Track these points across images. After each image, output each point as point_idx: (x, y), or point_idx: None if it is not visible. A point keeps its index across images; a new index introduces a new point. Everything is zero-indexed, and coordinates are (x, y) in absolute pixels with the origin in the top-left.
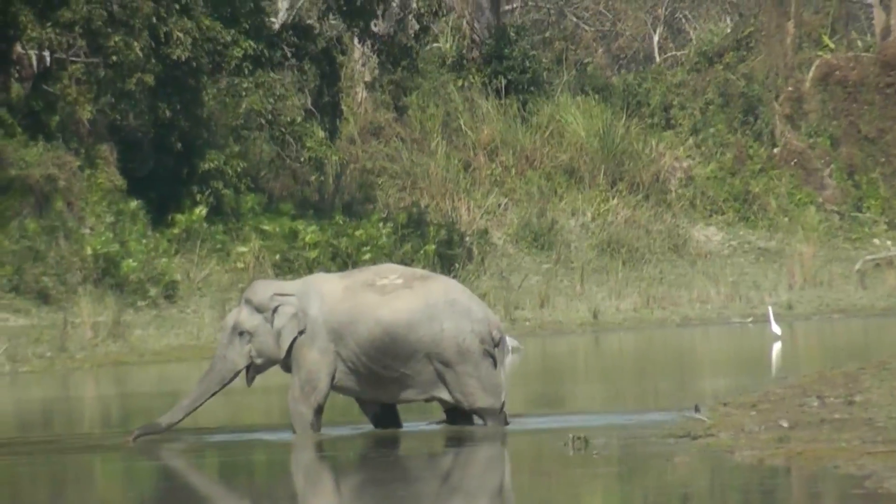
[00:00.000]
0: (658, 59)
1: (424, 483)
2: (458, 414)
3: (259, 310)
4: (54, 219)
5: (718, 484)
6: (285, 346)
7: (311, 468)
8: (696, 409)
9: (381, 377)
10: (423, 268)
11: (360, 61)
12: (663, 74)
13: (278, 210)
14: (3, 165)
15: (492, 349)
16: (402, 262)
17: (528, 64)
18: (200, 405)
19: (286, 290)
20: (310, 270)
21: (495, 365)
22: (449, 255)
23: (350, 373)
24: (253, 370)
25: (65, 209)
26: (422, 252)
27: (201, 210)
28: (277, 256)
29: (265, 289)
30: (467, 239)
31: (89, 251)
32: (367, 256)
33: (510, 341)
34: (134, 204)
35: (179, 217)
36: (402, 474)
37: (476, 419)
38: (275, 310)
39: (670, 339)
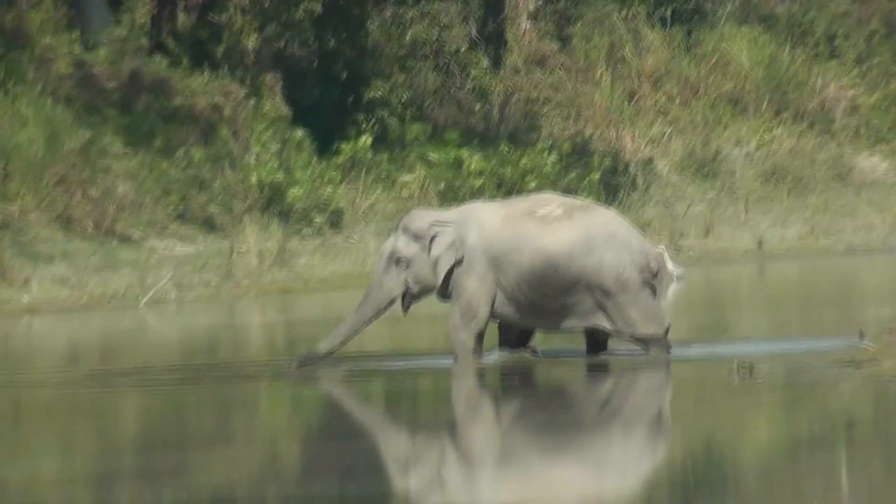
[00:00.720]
0: None
1: (586, 409)
2: (596, 343)
3: (416, 238)
4: (220, 147)
5: (883, 412)
6: (442, 274)
7: (472, 395)
8: (861, 337)
9: (542, 307)
10: (588, 196)
11: None
12: (827, 4)
13: (443, 139)
14: (170, 95)
15: (650, 279)
16: (567, 191)
17: None
18: (357, 333)
19: (444, 219)
20: (475, 199)
21: (654, 295)
22: (613, 184)
23: (509, 301)
24: (409, 298)
25: (230, 138)
26: (586, 181)
27: (366, 139)
28: (442, 185)
29: (423, 217)
30: (632, 168)
31: (255, 179)
32: (531, 185)
33: (675, 269)
34: (299, 133)
35: (344, 146)
36: (563, 400)
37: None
38: (432, 238)
39: (835, 268)
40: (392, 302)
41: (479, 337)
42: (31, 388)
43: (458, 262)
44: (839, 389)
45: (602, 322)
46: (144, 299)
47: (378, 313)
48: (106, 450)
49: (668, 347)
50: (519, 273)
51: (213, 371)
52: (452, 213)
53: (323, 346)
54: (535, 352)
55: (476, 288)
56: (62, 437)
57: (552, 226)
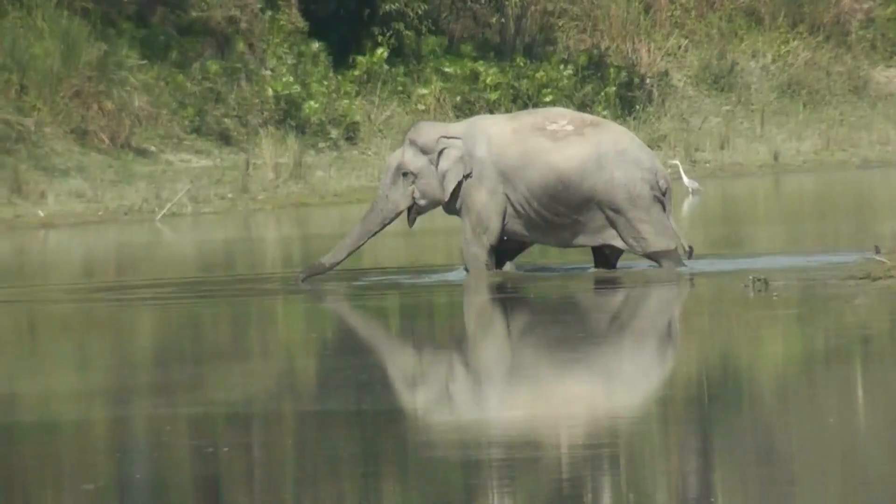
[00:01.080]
0: None
1: (602, 323)
2: (605, 259)
3: (424, 151)
4: (236, 60)
5: None
6: (450, 188)
7: (486, 309)
8: (877, 251)
9: (553, 223)
10: (604, 110)
11: None
12: None
13: (459, 52)
14: (185, 7)
15: (660, 196)
16: (583, 105)
17: None
18: (362, 245)
19: (452, 133)
20: (491, 112)
21: (664, 210)
22: (629, 97)
23: (518, 217)
24: (415, 211)
25: (246, 51)
26: (602, 94)
27: (382, 52)
28: (458, 98)
29: (431, 130)
30: (648, 81)
31: (271, 93)
32: (548, 98)
33: (690, 183)
34: (315, 46)
35: (361, 59)
36: (577, 314)
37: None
38: (440, 152)
39: (850, 181)
40: (397, 215)
41: (492, 250)
42: (47, 302)
43: (467, 177)
44: (855, 303)
45: (613, 239)
46: (160, 213)
47: (383, 226)
48: (121, 364)
49: (680, 262)
50: (529, 189)
51: (229, 285)
52: (460, 127)
53: (327, 259)
54: (517, 269)
55: (486, 201)
56: (78, 350)
57: (563, 142)
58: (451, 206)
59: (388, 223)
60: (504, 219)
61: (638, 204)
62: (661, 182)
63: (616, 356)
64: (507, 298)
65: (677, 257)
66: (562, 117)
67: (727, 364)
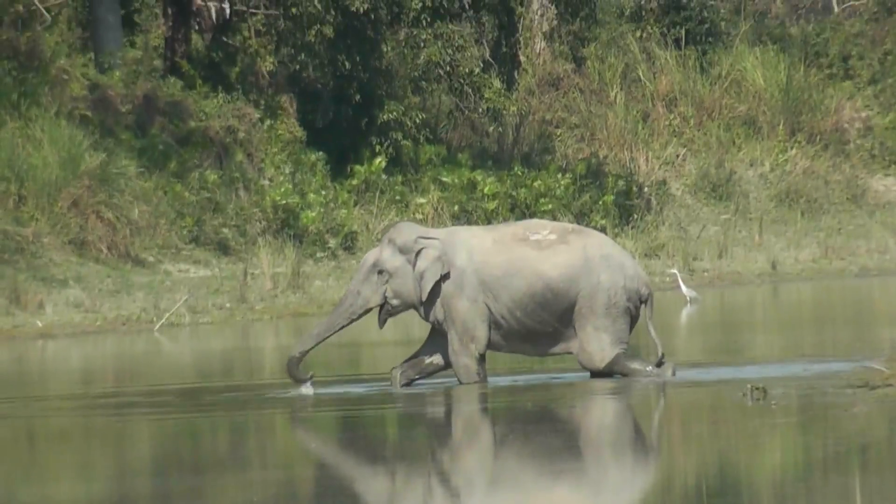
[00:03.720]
0: (836, 9)
1: (597, 433)
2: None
3: (402, 251)
4: (234, 170)
5: None
6: (427, 287)
7: (470, 419)
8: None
9: (533, 332)
10: (603, 219)
11: (538, 12)
12: (841, 24)
13: (457, 161)
14: (184, 117)
15: (635, 308)
16: (581, 213)
17: (706, 14)
18: (327, 338)
19: (430, 235)
20: (489, 221)
21: (631, 320)
22: (627, 206)
23: (497, 328)
24: (385, 311)
25: (245, 160)
26: (600, 203)
27: (380, 161)
28: (456, 207)
29: (410, 231)
30: (646, 190)
31: (269, 202)
32: (545, 207)
33: (688, 292)
34: (313, 155)
35: (358, 168)
36: (574, 424)
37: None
38: (418, 252)
39: (849, 290)
40: (367, 311)
41: (482, 358)
42: (46, 412)
43: (445, 277)
44: (853, 412)
45: (573, 347)
46: (159, 323)
47: (350, 321)
48: (121, 473)
49: (640, 361)
50: (512, 298)
51: (228, 395)
52: (439, 232)
53: (295, 350)
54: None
55: (468, 309)
56: (77, 460)
57: (549, 250)
58: (427, 311)
59: (356, 319)
60: (489, 327)
61: (611, 312)
62: (643, 289)
63: (614, 466)
64: (503, 408)
65: (629, 359)
66: (542, 227)
67: (725, 473)
